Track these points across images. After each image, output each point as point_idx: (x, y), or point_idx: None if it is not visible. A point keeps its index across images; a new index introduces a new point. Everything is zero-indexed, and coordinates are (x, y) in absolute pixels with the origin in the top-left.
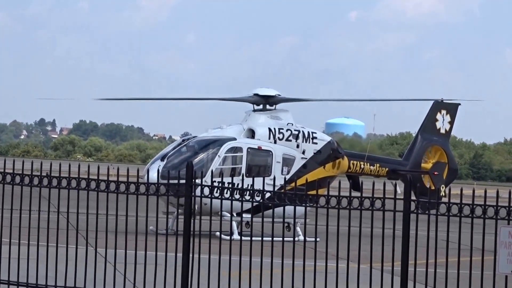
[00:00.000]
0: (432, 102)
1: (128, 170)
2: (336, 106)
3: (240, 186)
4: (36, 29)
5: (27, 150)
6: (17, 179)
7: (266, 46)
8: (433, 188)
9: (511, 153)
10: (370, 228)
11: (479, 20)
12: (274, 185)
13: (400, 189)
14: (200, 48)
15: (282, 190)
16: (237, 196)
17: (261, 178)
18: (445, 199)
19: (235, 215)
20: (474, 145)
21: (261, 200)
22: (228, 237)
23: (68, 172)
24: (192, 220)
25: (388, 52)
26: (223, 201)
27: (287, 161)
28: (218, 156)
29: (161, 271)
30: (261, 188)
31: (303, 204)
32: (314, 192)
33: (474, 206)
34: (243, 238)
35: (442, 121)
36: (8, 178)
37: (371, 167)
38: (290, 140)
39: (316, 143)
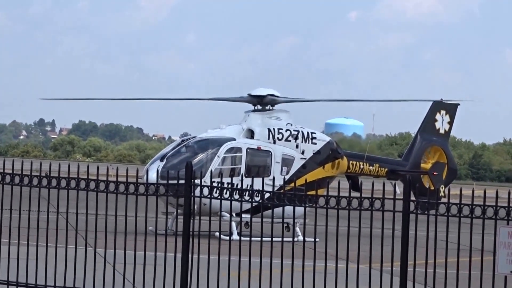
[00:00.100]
0: (431, 102)
1: (127, 170)
2: (335, 106)
3: (239, 186)
4: (36, 29)
5: (27, 151)
6: (17, 179)
7: (266, 46)
8: (432, 188)
9: (510, 154)
10: (370, 229)
11: (479, 20)
12: (273, 186)
13: (399, 189)
14: (200, 48)
15: (282, 191)
16: (237, 197)
17: (261, 179)
18: (444, 200)
19: (234, 215)
20: (473, 145)
21: (260, 201)
22: (227, 237)
23: (68, 172)
24: (191, 221)
25: (387, 52)
26: (223, 201)
27: (287, 162)
28: (218, 156)
29: (161, 271)
30: (261, 189)
31: (303, 205)
32: (313, 192)
33: (474, 207)
34: (242, 238)
35: (441, 122)
36: (8, 178)
37: (371, 167)
38: (290, 141)
39: (315, 144)
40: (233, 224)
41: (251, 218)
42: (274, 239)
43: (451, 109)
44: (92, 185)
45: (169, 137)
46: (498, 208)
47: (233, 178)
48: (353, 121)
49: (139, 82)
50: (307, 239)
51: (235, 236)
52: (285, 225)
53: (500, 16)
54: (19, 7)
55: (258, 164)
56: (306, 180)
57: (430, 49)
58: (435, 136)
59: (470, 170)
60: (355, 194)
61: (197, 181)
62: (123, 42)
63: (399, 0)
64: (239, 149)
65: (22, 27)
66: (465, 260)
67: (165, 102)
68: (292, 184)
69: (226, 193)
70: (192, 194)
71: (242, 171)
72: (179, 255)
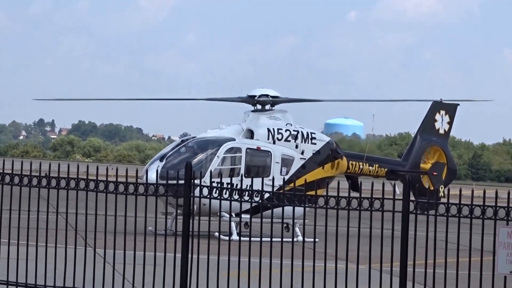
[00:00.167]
0: (431, 102)
1: (127, 170)
2: (335, 107)
3: (239, 186)
4: (36, 29)
5: (26, 151)
6: (16, 179)
7: (266, 46)
8: (432, 188)
9: (510, 154)
10: (369, 229)
11: (479, 20)
12: (273, 186)
13: (399, 189)
14: (200, 48)
15: (281, 191)
16: (236, 197)
17: (260, 179)
18: (444, 200)
19: (234, 215)
20: (473, 145)
21: (260, 201)
22: (227, 238)
23: (67, 172)
24: (191, 221)
25: (387, 52)
26: (222, 201)
27: (286, 162)
28: (217, 156)
29: (160, 271)
30: (260, 189)
31: (302, 205)
32: (313, 192)
33: (473, 207)
34: (242, 238)
35: (441, 122)
36: (7, 178)
37: (370, 167)
38: (289, 141)
39: (315, 144)
40: (233, 224)
41: (250, 218)
42: (273, 239)
43: (450, 109)
44: (92, 185)
45: (169, 137)
46: (497, 208)
47: (233, 178)
48: (352, 121)
49: (139, 82)
50: (306, 239)
51: (235, 236)
52: (284, 225)
53: (500, 16)
54: (19, 7)
55: (258, 164)
56: (305, 180)
57: (430, 49)
58: (435, 136)
59: (469, 170)
60: (354, 194)
61: (197, 181)
62: (123, 42)
63: (399, 0)
64: (238, 149)
65: (21, 27)
66: (465, 260)
67: (164, 102)
68: (292, 184)
69: (225, 193)
70: (192, 194)
71: (242, 171)
72: (178, 255)
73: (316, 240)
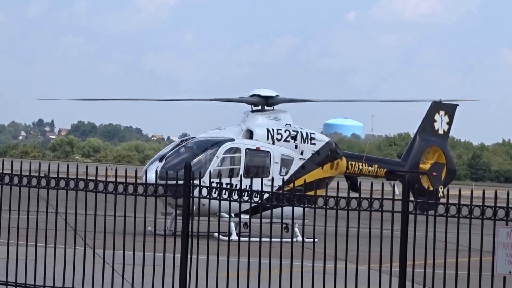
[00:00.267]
0: (430, 103)
1: (126, 171)
2: (334, 107)
3: (238, 187)
4: (35, 29)
5: (26, 151)
6: (16, 180)
7: (265, 46)
8: (431, 189)
9: (509, 154)
10: (369, 229)
11: (477, 21)
12: (272, 186)
13: (398, 190)
14: (198, 49)
15: (280, 191)
16: (235, 197)
17: (259, 179)
18: (443, 200)
19: (233, 216)
20: (472, 145)
21: (259, 201)
22: (226, 238)
23: (66, 173)
24: (190, 221)
25: (386, 53)
26: (221, 202)
27: (286, 162)
28: (217, 157)
29: (160, 271)
30: (259, 189)
31: (301, 205)
32: (312, 192)
33: (473, 207)
34: (241, 239)
35: (440, 122)
36: (7, 179)
37: (370, 167)
38: (289, 141)
39: (314, 144)
40: (232, 225)
41: (250, 218)
42: (273, 239)
43: (450, 109)
44: (91, 185)
45: (168, 137)
46: (497, 208)
47: (232, 179)
48: (352, 121)
49: (138, 83)
50: (306, 239)
51: (234, 237)
52: (284, 225)
53: (498, 16)
54: (19, 7)
55: (257, 165)
56: (305, 181)
57: (429, 49)
58: (434, 137)
59: (469, 170)
60: (354, 194)
61: (196, 182)
62: (123, 42)
63: (398, 1)
64: (238, 150)
65: (21, 27)
66: (464, 261)
67: (164, 102)
68: (291, 185)
69: (225, 194)
70: (191, 194)
71: (241, 171)
72: (178, 255)
73: (316, 240)
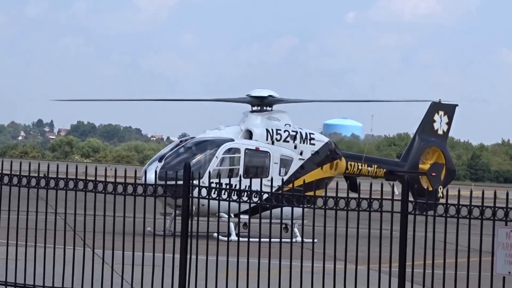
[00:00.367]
0: (429, 103)
1: (125, 171)
2: (333, 107)
3: (237, 187)
4: (35, 29)
5: (25, 151)
6: (15, 180)
7: (264, 46)
8: (430, 189)
9: (508, 154)
10: (368, 229)
11: (477, 21)
12: (271, 186)
13: (397, 190)
14: (198, 49)
15: (280, 191)
16: (235, 197)
17: (259, 179)
18: (442, 200)
19: (232, 216)
20: (472, 146)
21: (258, 201)
22: (225, 238)
23: (66, 173)
24: (189, 221)
25: (386, 53)
26: (221, 202)
27: (285, 162)
28: (216, 157)
29: (159, 272)
30: (259, 189)
31: (301, 205)
32: (311, 193)
33: (472, 207)
34: (240, 239)
35: (439, 122)
36: (6, 179)
37: (369, 168)
38: (288, 141)
39: (313, 144)
40: (231, 225)
41: (249, 219)
42: (272, 240)
43: (449, 109)
44: (90, 186)
45: (168, 138)
46: (496, 209)
47: (231, 179)
48: (351, 121)
49: (137, 83)
50: (305, 240)
51: (233, 237)
52: (283, 226)
53: (497, 16)
54: (18, 7)
55: (257, 165)
56: (304, 181)
57: (429, 49)
58: (434, 137)
59: (468, 170)
60: (353, 195)
61: (195, 182)
62: (122, 42)
63: (397, 1)
64: (237, 150)
65: (20, 27)
66: (464, 261)
67: (163, 103)
68: (290, 185)
69: (224, 194)
70: (190, 195)
71: (241, 172)
72: (177, 255)
73: (315, 240)
